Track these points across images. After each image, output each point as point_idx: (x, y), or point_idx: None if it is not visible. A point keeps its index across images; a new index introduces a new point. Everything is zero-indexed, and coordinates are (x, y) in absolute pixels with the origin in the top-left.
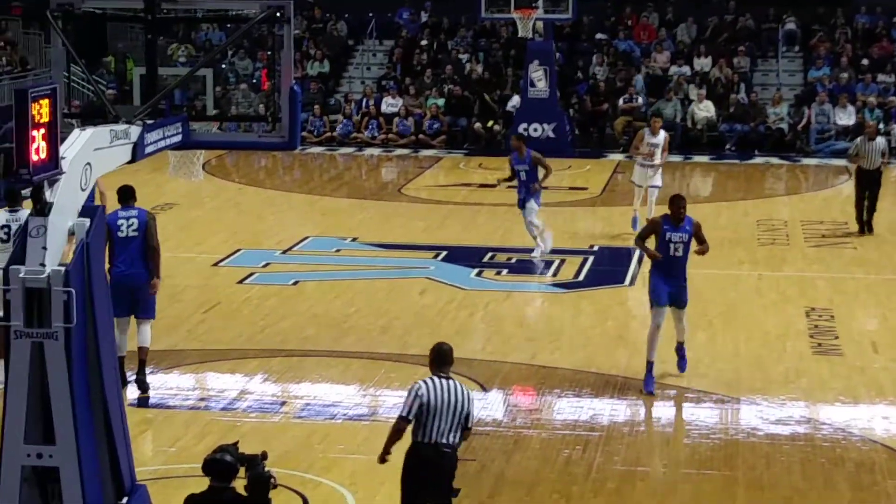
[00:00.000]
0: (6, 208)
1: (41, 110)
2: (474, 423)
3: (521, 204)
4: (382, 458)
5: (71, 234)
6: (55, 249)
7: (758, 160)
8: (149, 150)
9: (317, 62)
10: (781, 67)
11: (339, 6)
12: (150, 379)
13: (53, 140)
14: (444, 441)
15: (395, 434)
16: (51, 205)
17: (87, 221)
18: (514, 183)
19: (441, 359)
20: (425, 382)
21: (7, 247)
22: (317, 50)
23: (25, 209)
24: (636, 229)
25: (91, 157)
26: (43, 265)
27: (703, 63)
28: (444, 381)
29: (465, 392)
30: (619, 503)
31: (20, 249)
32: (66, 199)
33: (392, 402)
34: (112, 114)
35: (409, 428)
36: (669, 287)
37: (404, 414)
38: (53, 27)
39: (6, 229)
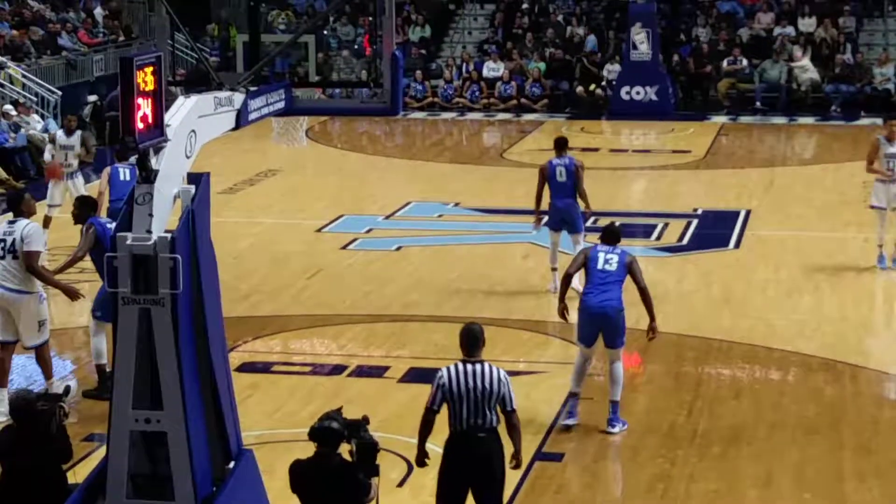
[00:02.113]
0: (7, 220)
1: (146, 78)
2: (515, 405)
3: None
4: (420, 460)
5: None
6: (161, 216)
7: (864, 121)
8: (252, 116)
9: (418, 27)
10: (888, 27)
11: None
12: (256, 343)
13: (158, 108)
14: (476, 426)
15: (424, 427)
16: (156, 172)
17: (192, 188)
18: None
19: (469, 341)
20: (448, 369)
21: (2, 263)
22: (418, 15)
23: (23, 221)
24: (883, 266)
25: (195, 124)
26: (149, 232)
27: (807, 23)
28: (469, 365)
29: (496, 375)
30: (725, 467)
31: (126, 217)
32: (171, 166)
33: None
34: (216, 81)
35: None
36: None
37: (429, 405)
38: None
39: (2, 244)
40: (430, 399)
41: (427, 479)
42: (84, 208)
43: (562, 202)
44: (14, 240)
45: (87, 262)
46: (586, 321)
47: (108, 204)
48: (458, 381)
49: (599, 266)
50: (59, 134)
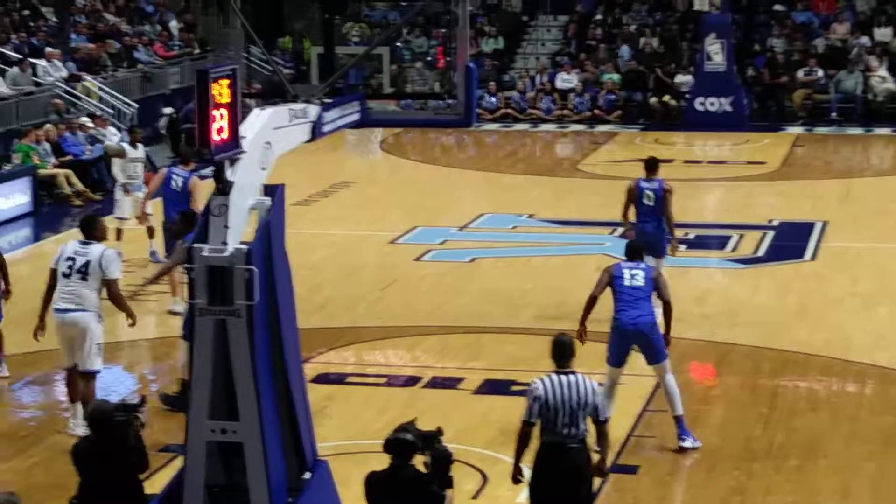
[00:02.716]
0: (79, 240)
1: (222, 90)
2: (606, 416)
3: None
4: (515, 477)
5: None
6: (237, 228)
7: None
8: (327, 128)
9: (491, 38)
10: None
11: None
12: (330, 355)
13: (234, 120)
14: (570, 437)
15: (521, 441)
16: (232, 184)
17: (268, 200)
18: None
19: (560, 353)
20: (542, 381)
21: (68, 282)
22: (491, 26)
23: (98, 246)
24: None
25: (271, 136)
26: (225, 243)
27: (883, 33)
28: (562, 376)
29: (588, 385)
30: (801, 480)
31: (203, 229)
32: (246, 178)
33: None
34: (290, 93)
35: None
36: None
37: (525, 418)
38: (233, 8)
39: (71, 262)
40: (527, 412)
41: (501, 491)
42: (188, 225)
43: (648, 226)
44: (88, 262)
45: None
46: (619, 340)
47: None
48: (554, 392)
49: (626, 283)
50: (127, 147)
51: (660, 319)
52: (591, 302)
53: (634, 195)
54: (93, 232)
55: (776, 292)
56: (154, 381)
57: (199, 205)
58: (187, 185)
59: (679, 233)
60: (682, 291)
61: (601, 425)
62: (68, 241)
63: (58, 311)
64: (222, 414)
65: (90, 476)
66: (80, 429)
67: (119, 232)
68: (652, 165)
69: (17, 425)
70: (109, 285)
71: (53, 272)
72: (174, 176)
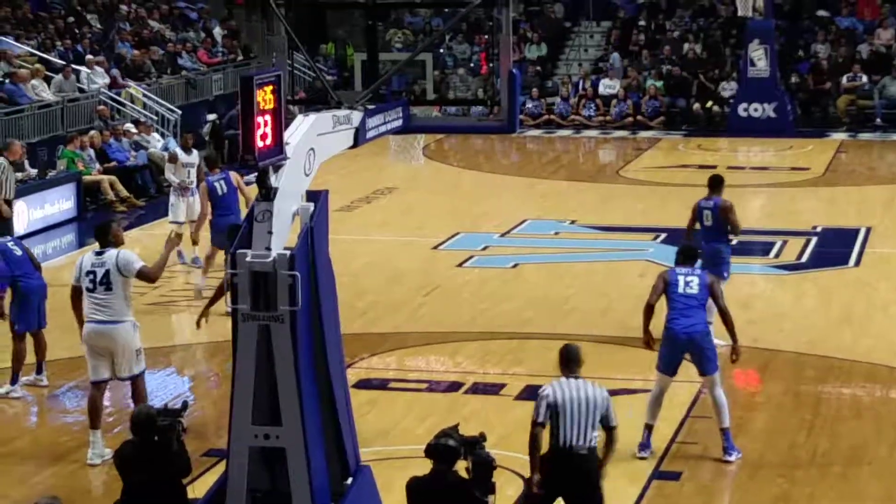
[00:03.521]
0: (93, 251)
1: (266, 97)
2: (617, 422)
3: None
4: (530, 485)
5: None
6: (280, 233)
7: None
8: (370, 134)
9: (534, 45)
10: None
11: None
12: (373, 360)
13: (278, 126)
14: (578, 444)
15: (532, 442)
16: (276, 189)
17: (311, 206)
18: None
19: (568, 359)
20: (552, 385)
21: (94, 295)
22: (534, 32)
23: (111, 251)
24: None
25: (314, 142)
26: (269, 249)
27: None
28: (573, 380)
29: (599, 392)
30: (845, 487)
31: (247, 234)
32: (290, 183)
33: (613, 384)
34: (334, 99)
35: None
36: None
37: (535, 418)
38: (276, 15)
39: (91, 276)
40: (536, 412)
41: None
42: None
43: (708, 246)
44: (107, 271)
45: None
46: (671, 349)
47: (210, 218)
48: (563, 395)
49: (680, 290)
50: (179, 152)
51: (721, 329)
52: (649, 310)
53: (696, 214)
54: (107, 238)
55: (820, 299)
56: (196, 385)
57: (251, 194)
58: (231, 181)
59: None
60: (726, 296)
61: (611, 431)
62: (83, 255)
63: (91, 321)
64: (265, 419)
65: (134, 480)
66: (97, 459)
67: (179, 235)
68: (713, 183)
69: (61, 430)
70: (140, 277)
71: (76, 289)
72: (215, 184)
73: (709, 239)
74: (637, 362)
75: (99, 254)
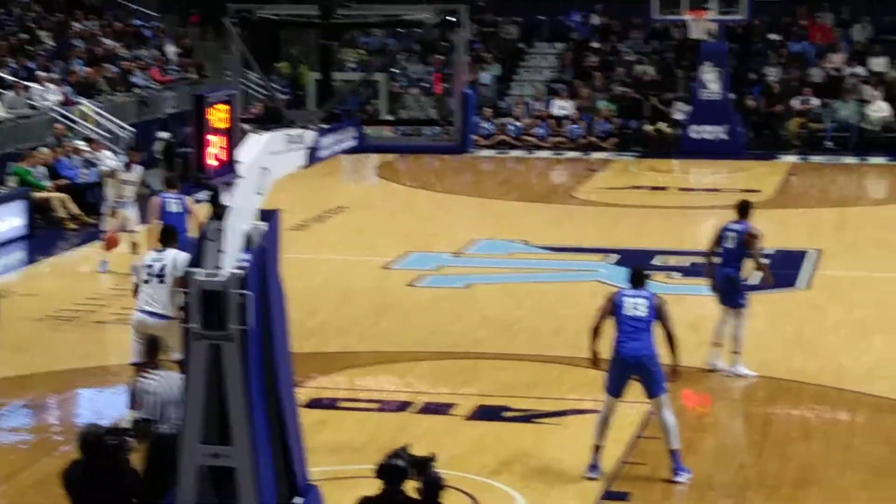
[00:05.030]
0: (154, 249)
1: (219, 115)
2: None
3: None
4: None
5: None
6: (232, 253)
7: None
8: (323, 154)
9: (488, 65)
10: None
11: (509, 9)
12: (323, 380)
13: (231, 145)
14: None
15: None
16: (228, 209)
17: (263, 225)
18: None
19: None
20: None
21: (147, 287)
22: (488, 53)
23: (172, 251)
24: None
25: (267, 161)
26: (220, 268)
27: (879, 63)
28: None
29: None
30: None
31: (198, 253)
32: (242, 203)
33: (564, 404)
34: (287, 118)
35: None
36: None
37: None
38: (230, 34)
39: (149, 268)
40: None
41: None
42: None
43: (720, 271)
44: (163, 266)
45: None
46: (619, 371)
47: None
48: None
49: (628, 312)
50: (120, 169)
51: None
52: (595, 332)
53: (718, 235)
54: (170, 241)
55: (770, 320)
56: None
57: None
58: (185, 203)
59: (674, 260)
60: (677, 318)
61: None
62: (146, 254)
63: (141, 311)
64: (215, 438)
65: (81, 500)
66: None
67: (134, 245)
68: (743, 209)
69: (8, 449)
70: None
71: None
72: (168, 201)
73: (724, 264)
74: (588, 382)
75: (159, 251)
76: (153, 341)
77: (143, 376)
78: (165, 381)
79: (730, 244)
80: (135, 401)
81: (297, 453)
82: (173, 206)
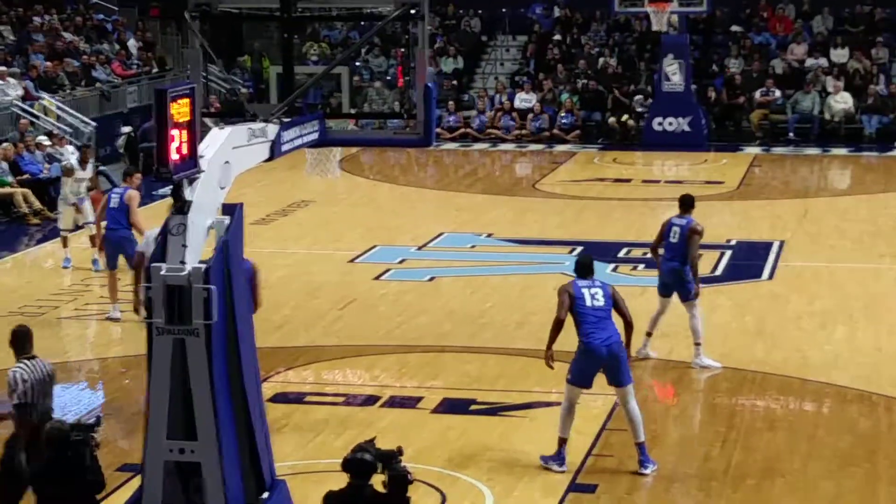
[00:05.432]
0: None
1: (180, 109)
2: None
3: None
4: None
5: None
6: (195, 247)
7: None
8: (286, 147)
9: (450, 58)
10: None
11: (472, 2)
12: (289, 374)
13: (193, 139)
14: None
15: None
16: (190, 203)
17: (226, 219)
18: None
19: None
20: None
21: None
22: (450, 46)
23: None
24: None
25: (229, 155)
26: (183, 263)
27: (840, 54)
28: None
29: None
30: (759, 500)
31: (161, 248)
32: (205, 197)
33: (530, 397)
34: (249, 112)
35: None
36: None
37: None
38: (191, 28)
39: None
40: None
41: None
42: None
43: (665, 265)
44: None
45: None
46: (589, 362)
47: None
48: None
49: (588, 304)
50: (76, 166)
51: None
52: (558, 325)
53: (663, 231)
54: None
55: (734, 311)
56: (111, 400)
57: (138, 216)
58: (123, 199)
59: (638, 252)
60: (640, 309)
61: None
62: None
63: None
64: (180, 433)
65: (47, 496)
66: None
67: (92, 238)
68: (685, 202)
69: None
70: None
71: (141, 255)
72: (112, 196)
73: (669, 258)
74: (553, 374)
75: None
76: (24, 332)
77: (18, 365)
78: (37, 370)
79: (674, 239)
80: (11, 389)
81: (264, 448)
82: (114, 200)
